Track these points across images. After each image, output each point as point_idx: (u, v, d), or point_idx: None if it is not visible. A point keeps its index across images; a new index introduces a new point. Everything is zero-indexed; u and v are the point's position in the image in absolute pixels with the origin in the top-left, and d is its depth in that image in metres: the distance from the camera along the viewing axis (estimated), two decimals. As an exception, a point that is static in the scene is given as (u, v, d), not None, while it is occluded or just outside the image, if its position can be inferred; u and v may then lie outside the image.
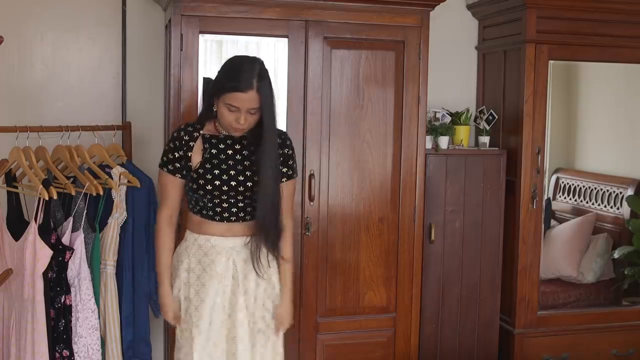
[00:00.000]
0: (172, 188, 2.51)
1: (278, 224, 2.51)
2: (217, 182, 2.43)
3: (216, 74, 2.47)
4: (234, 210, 2.47)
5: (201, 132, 2.49)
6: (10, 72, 3.41)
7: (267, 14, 3.17)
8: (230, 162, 2.46)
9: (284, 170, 2.54)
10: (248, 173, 2.47)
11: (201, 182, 2.43)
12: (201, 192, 2.44)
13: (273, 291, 2.58)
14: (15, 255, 2.74)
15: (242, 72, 2.37)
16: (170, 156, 2.48)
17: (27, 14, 3.41)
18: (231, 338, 2.50)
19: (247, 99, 2.35)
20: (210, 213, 2.47)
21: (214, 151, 2.46)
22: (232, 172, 2.45)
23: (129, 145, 3.34)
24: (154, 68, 3.58)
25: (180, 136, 2.48)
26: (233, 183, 2.44)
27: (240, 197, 2.46)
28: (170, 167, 2.48)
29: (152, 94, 3.58)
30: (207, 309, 2.46)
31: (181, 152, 2.46)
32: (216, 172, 2.44)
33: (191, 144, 2.46)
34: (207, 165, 2.44)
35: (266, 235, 2.48)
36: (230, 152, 2.47)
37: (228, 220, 2.47)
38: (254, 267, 2.48)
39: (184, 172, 2.48)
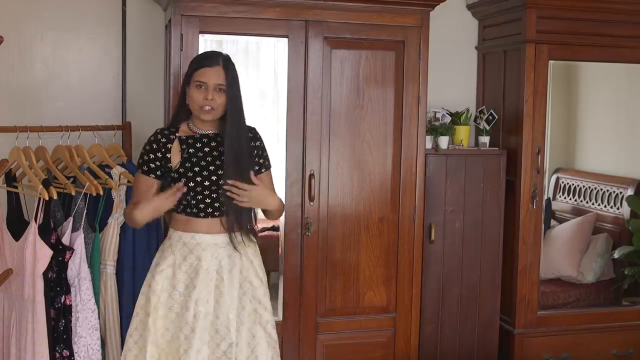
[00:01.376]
0: (145, 188, 2.56)
1: (248, 214, 2.59)
2: (199, 179, 2.50)
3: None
4: (217, 205, 2.53)
5: (177, 134, 2.57)
6: (10, 72, 3.41)
7: (267, 14, 3.17)
8: (209, 159, 2.53)
9: (261, 161, 2.64)
10: (212, 168, 2.53)
11: (183, 180, 2.50)
12: (184, 190, 2.50)
13: (255, 271, 2.62)
14: (15, 255, 2.74)
15: (209, 54, 2.61)
16: (146, 158, 2.55)
17: (27, 14, 3.41)
18: (221, 337, 2.51)
19: (214, 72, 2.49)
20: (195, 210, 2.52)
21: (191, 150, 2.53)
22: (212, 168, 2.52)
23: (129, 145, 3.34)
24: (154, 68, 3.58)
25: (157, 139, 2.55)
26: (214, 178, 2.51)
27: (221, 192, 2.52)
28: (145, 167, 2.55)
29: (152, 94, 3.58)
30: (193, 303, 2.49)
31: (159, 154, 2.53)
32: (196, 169, 2.51)
33: (169, 145, 2.54)
34: (187, 164, 2.51)
35: (238, 227, 2.55)
36: (207, 149, 2.54)
37: (212, 215, 2.53)
38: (233, 244, 2.55)
39: (159, 173, 2.54)
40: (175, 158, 2.53)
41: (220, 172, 2.52)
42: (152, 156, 2.54)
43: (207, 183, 2.51)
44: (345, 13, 3.27)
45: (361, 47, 3.33)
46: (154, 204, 2.47)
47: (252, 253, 2.62)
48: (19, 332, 2.74)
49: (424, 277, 3.56)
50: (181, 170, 2.51)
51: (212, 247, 2.53)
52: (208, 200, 2.52)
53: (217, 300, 2.53)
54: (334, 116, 3.32)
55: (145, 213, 2.47)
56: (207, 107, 2.48)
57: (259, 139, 2.65)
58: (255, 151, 2.62)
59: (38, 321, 2.68)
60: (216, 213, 2.53)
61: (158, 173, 2.54)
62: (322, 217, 3.33)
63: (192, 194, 2.50)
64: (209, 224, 2.54)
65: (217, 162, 2.53)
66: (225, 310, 2.52)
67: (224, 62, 2.52)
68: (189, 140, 2.55)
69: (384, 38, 3.34)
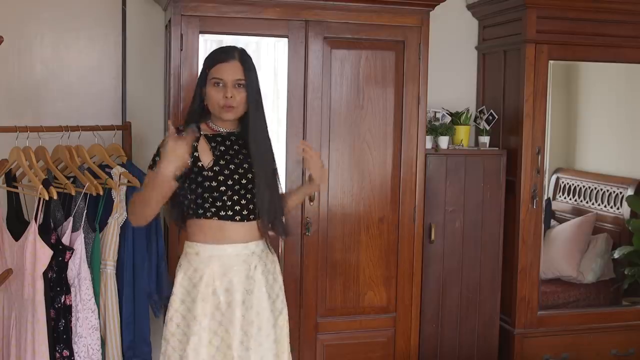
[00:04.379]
0: None
1: (279, 215, 2.50)
2: (236, 177, 2.41)
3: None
4: (237, 208, 2.42)
5: (201, 133, 2.47)
6: (10, 72, 3.41)
7: (267, 14, 3.17)
8: (240, 157, 2.44)
9: None
10: (245, 165, 2.44)
11: (220, 178, 2.39)
12: (222, 189, 2.39)
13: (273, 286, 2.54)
14: (15, 255, 2.74)
15: (224, 48, 2.49)
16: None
17: (27, 14, 3.41)
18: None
19: (231, 68, 2.38)
20: (230, 213, 2.41)
21: (222, 148, 2.43)
22: (245, 167, 2.43)
23: (129, 145, 3.34)
24: (154, 68, 3.58)
25: None
26: (236, 177, 2.42)
27: (243, 192, 2.42)
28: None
29: (152, 94, 3.58)
30: (197, 325, 2.39)
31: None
32: (232, 167, 2.41)
33: (195, 144, 2.41)
34: (222, 162, 2.41)
35: (273, 229, 2.49)
36: (236, 147, 2.45)
37: (244, 218, 2.42)
38: (266, 244, 2.50)
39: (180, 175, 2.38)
40: (206, 157, 2.40)
41: (240, 170, 2.42)
42: None
43: (230, 182, 2.40)
44: (345, 13, 3.27)
45: (361, 47, 3.33)
46: (166, 157, 2.23)
47: (272, 270, 2.51)
48: (19, 332, 2.74)
49: (424, 277, 3.56)
50: (216, 168, 2.39)
51: (224, 259, 2.41)
52: (243, 202, 2.41)
53: (229, 320, 2.40)
54: (334, 116, 3.32)
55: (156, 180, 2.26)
56: (228, 105, 2.37)
57: None
58: None
59: (38, 321, 2.68)
60: (237, 217, 2.42)
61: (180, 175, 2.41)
62: (322, 217, 3.33)
63: (229, 193, 2.40)
64: (238, 228, 2.42)
65: (244, 164, 2.44)
66: (233, 332, 2.39)
67: (240, 56, 2.41)
68: (217, 138, 2.44)
69: (384, 38, 3.34)
